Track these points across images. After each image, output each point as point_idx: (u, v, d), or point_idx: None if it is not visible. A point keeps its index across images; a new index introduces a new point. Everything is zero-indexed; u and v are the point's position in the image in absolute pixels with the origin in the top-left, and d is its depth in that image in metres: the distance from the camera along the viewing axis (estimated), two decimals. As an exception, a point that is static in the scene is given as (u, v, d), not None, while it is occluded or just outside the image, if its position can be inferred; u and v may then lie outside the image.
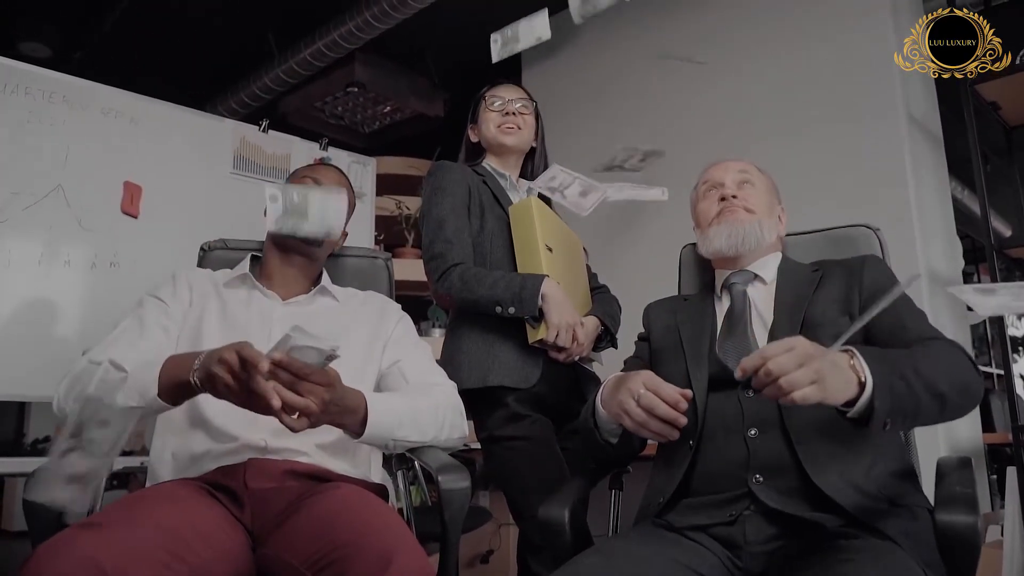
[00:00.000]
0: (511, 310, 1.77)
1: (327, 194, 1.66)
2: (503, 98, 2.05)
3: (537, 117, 2.12)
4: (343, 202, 1.68)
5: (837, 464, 1.26)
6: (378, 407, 1.40)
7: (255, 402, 1.20)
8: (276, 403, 1.17)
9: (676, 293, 1.81)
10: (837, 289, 1.45)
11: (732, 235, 1.53)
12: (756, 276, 1.55)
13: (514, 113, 2.04)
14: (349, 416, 1.35)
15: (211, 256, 1.92)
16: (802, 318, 1.41)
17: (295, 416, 1.22)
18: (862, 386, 1.10)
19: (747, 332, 1.46)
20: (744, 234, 1.53)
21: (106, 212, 2.76)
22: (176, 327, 1.59)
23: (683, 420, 1.24)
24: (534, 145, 2.12)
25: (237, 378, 1.20)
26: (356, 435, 1.39)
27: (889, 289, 1.40)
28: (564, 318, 1.77)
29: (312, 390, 1.23)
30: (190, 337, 1.57)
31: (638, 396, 1.26)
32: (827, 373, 1.07)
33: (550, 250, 1.86)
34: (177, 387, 1.33)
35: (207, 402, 1.44)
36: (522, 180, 2.10)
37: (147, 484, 1.51)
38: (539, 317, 1.77)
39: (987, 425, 3.73)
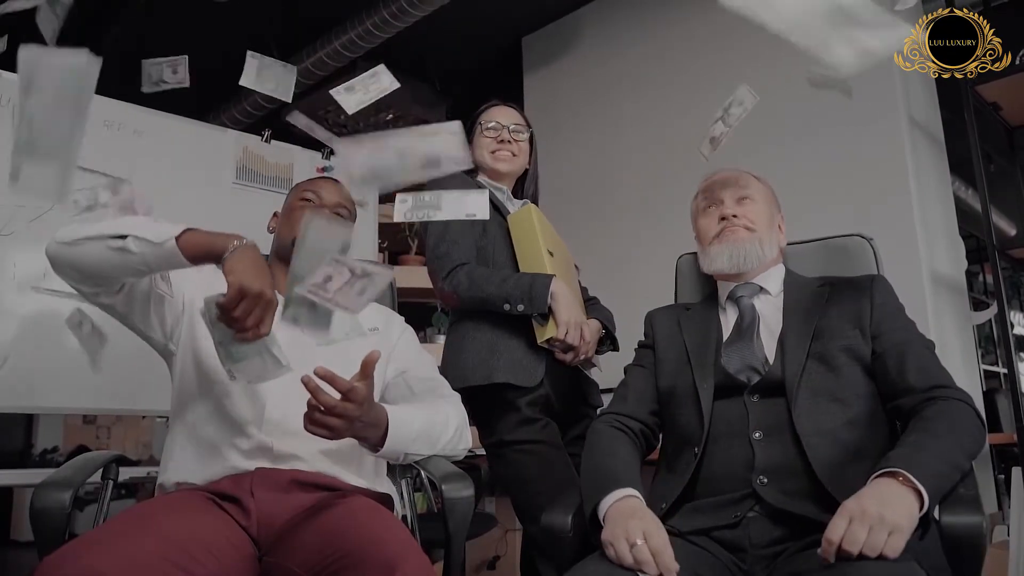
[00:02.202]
0: (520, 307, 1.78)
1: None
2: (498, 123, 2.05)
3: (531, 141, 2.11)
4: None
5: (844, 468, 1.27)
6: (399, 422, 1.41)
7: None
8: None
9: (673, 302, 1.83)
10: (846, 304, 1.47)
11: (734, 255, 1.56)
12: (761, 288, 1.58)
13: (509, 140, 2.04)
14: (372, 431, 1.37)
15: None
16: (813, 329, 1.44)
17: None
18: (920, 496, 1.11)
19: (753, 340, 1.49)
20: (745, 253, 1.55)
21: (110, 223, 2.77)
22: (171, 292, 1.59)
23: None
24: (528, 167, 2.12)
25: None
26: (374, 449, 1.40)
27: (896, 313, 1.45)
28: (572, 316, 1.78)
29: (345, 409, 1.25)
30: (205, 343, 1.58)
31: (633, 545, 1.18)
32: (892, 516, 1.07)
33: (551, 255, 1.88)
34: (207, 247, 1.33)
35: (228, 394, 1.48)
36: (515, 199, 2.10)
37: (161, 461, 1.53)
38: (546, 316, 1.79)
39: (993, 425, 3.71)
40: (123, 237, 1.34)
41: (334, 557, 1.19)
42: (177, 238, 1.32)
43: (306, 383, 1.23)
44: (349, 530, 1.25)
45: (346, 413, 1.26)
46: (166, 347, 1.59)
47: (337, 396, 1.25)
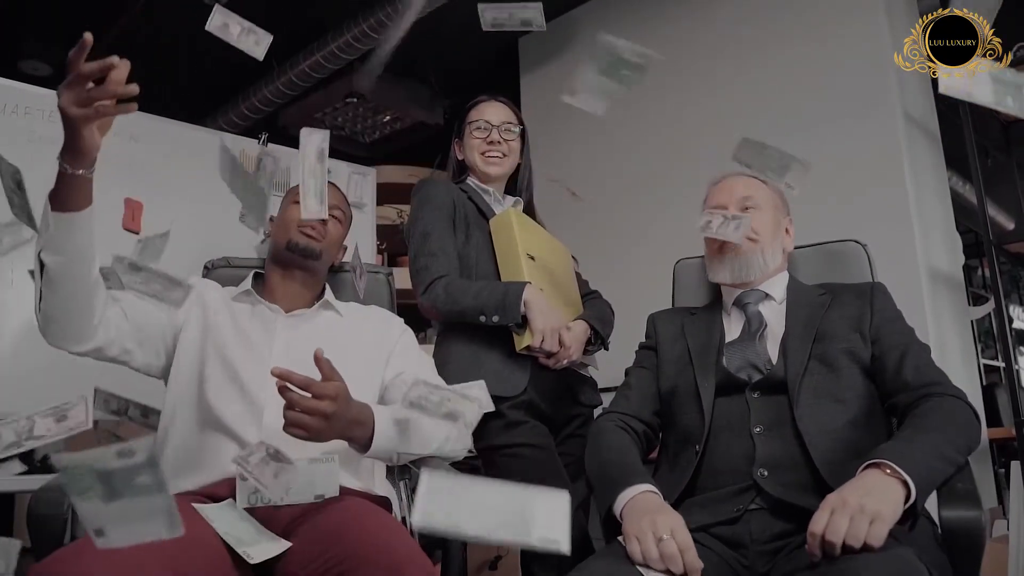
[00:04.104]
0: (495, 318, 1.77)
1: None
2: (487, 123, 2.01)
3: (523, 135, 2.08)
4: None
5: (845, 464, 1.27)
6: (385, 421, 1.41)
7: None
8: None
9: (670, 305, 1.84)
10: (847, 309, 1.50)
11: (736, 268, 1.58)
12: (766, 295, 1.60)
13: (499, 140, 2.01)
14: (357, 429, 1.37)
15: (215, 274, 1.93)
16: (815, 332, 1.47)
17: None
18: (907, 486, 1.12)
19: (756, 342, 1.51)
20: (748, 266, 1.58)
21: (108, 229, 2.77)
22: (166, 316, 1.61)
23: None
24: (520, 162, 2.09)
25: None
26: (363, 448, 1.40)
27: (896, 318, 1.48)
28: (548, 323, 1.76)
29: (316, 406, 1.26)
30: (199, 350, 1.59)
31: (660, 539, 1.18)
32: (873, 505, 1.08)
33: (532, 259, 1.86)
34: (58, 185, 1.30)
35: (226, 400, 1.49)
36: (508, 196, 2.08)
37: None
38: (523, 324, 1.77)
39: (993, 420, 3.72)
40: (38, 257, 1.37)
41: (336, 560, 1.18)
42: (50, 200, 1.31)
43: (279, 387, 1.26)
44: (351, 533, 1.24)
45: (317, 409, 1.26)
46: (165, 367, 1.61)
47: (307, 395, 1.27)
